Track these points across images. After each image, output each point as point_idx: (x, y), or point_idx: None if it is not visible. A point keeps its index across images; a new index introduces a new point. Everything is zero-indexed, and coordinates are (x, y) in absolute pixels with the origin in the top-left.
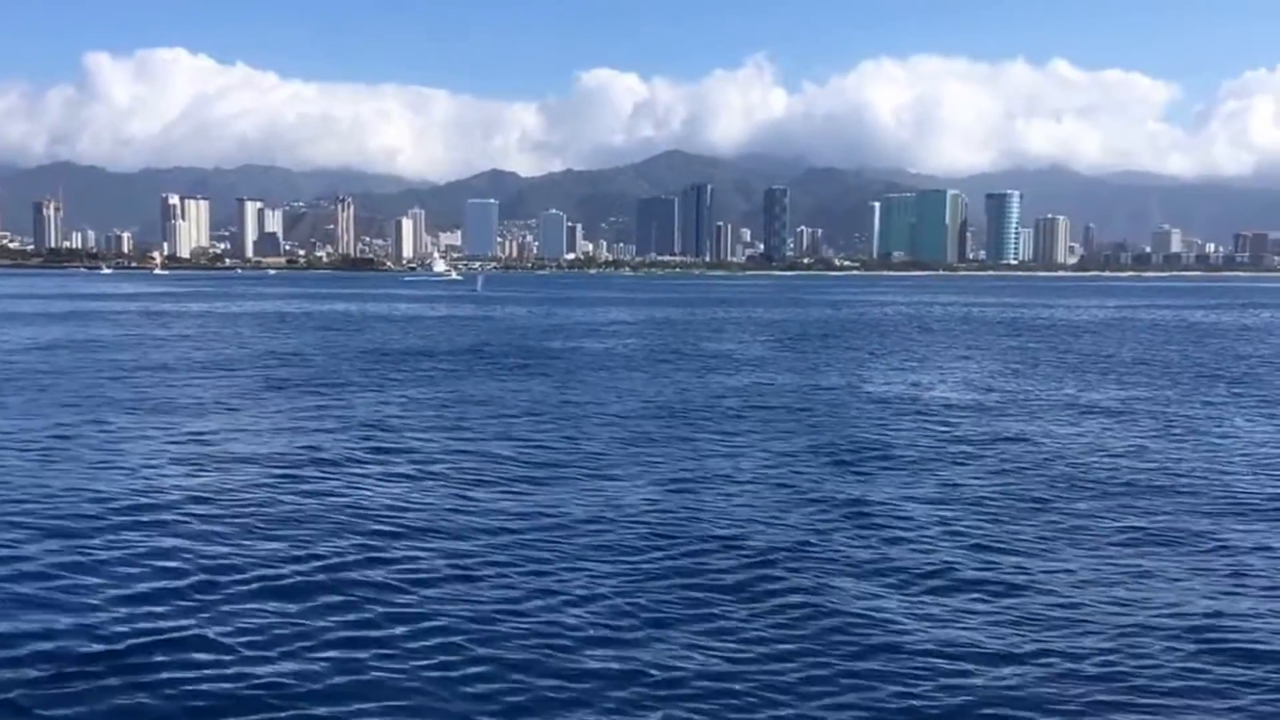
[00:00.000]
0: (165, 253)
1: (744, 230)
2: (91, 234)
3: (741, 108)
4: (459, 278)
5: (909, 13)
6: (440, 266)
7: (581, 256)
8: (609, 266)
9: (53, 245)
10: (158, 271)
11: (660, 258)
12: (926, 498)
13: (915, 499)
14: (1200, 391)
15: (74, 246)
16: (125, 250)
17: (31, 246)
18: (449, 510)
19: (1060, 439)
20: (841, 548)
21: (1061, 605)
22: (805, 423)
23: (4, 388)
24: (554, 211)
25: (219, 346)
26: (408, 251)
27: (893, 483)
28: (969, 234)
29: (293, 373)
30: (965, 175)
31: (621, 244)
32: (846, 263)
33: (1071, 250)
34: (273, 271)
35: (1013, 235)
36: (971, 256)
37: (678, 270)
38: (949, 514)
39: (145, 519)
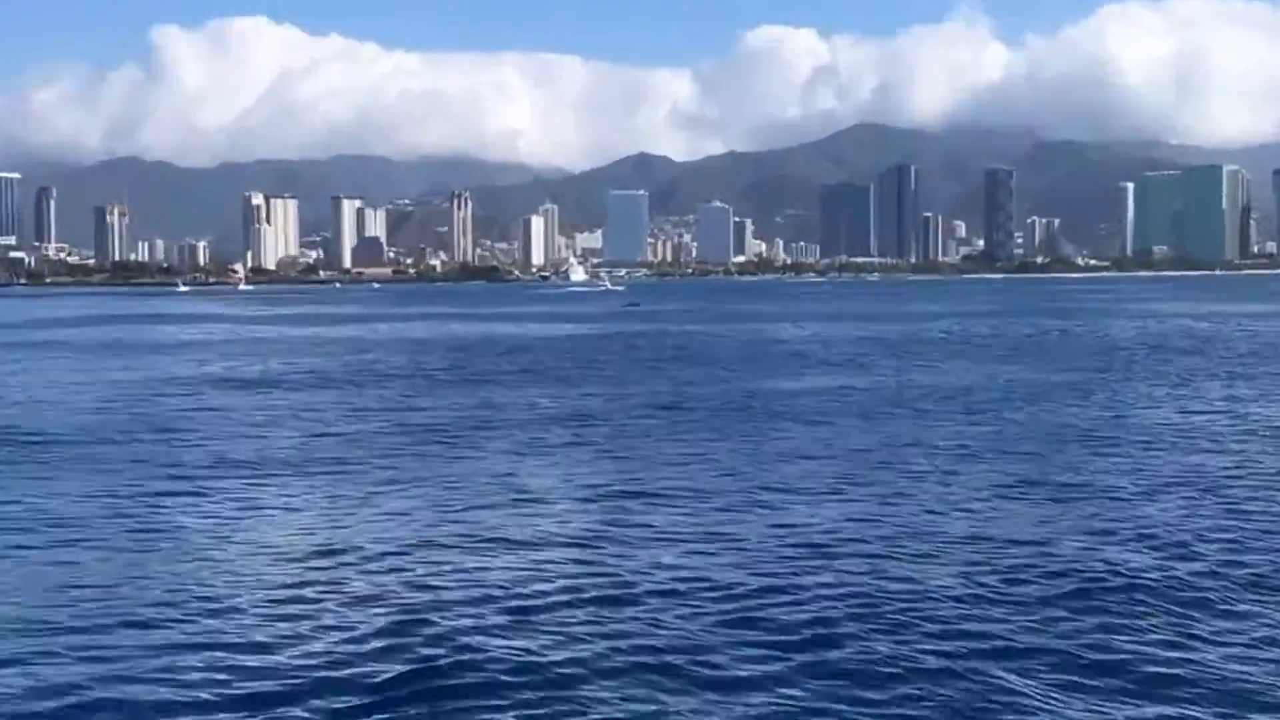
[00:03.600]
0: (249, 264)
1: (957, 223)
2: (161, 244)
3: (948, 69)
4: (618, 288)
5: None
6: (580, 274)
7: (754, 259)
8: (788, 271)
9: (118, 258)
10: (243, 287)
11: (853, 259)
12: None
13: None
14: None
15: (142, 259)
16: (202, 262)
17: (93, 260)
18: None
19: None
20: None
21: None
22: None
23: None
24: (716, 204)
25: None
26: (538, 257)
27: None
28: (1253, 221)
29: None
30: (1244, 145)
31: (803, 242)
32: (1092, 261)
33: None
34: (377, 285)
35: None
36: (1257, 250)
37: (876, 275)
38: None
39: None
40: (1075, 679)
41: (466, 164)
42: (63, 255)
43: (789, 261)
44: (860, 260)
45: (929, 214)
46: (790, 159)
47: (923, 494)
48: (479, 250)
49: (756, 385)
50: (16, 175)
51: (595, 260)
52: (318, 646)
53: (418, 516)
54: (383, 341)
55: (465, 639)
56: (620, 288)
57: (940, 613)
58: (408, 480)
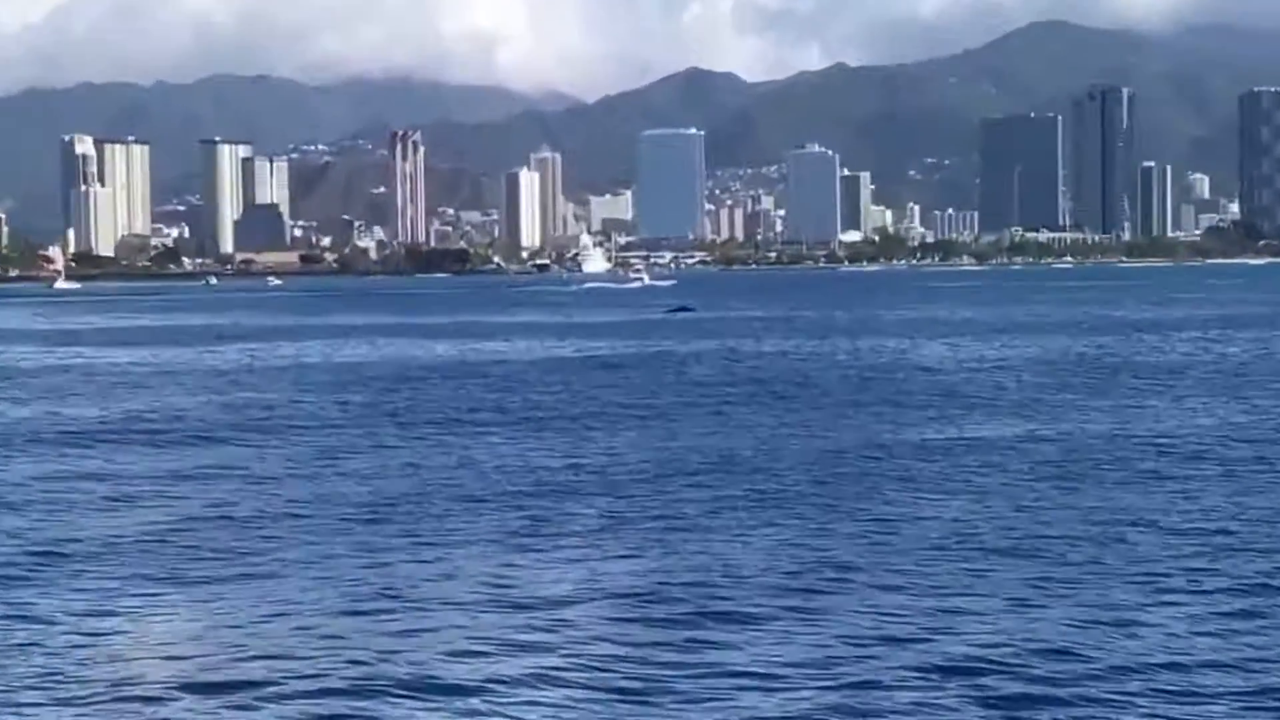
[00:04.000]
0: (71, 248)
1: (1197, 177)
2: None
3: None
4: (660, 283)
5: None
6: (599, 263)
7: (874, 236)
8: (930, 254)
9: None
10: (62, 285)
11: (1031, 235)
12: None
13: None
14: None
15: None
16: None
17: None
18: None
19: None
20: None
21: None
22: None
23: None
24: (815, 149)
25: None
26: (531, 235)
27: None
28: None
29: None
30: None
31: (952, 210)
32: None
33: None
34: (277, 280)
35: None
36: None
37: (1068, 260)
38: None
39: None
40: None
41: (415, 89)
42: None
43: (930, 239)
44: (1043, 237)
45: (1150, 163)
46: (930, 79)
47: (1158, 606)
48: (438, 224)
49: (884, 436)
50: None
51: (623, 240)
52: None
53: (349, 640)
54: (289, 370)
55: None
56: (664, 283)
57: None
58: (334, 582)
